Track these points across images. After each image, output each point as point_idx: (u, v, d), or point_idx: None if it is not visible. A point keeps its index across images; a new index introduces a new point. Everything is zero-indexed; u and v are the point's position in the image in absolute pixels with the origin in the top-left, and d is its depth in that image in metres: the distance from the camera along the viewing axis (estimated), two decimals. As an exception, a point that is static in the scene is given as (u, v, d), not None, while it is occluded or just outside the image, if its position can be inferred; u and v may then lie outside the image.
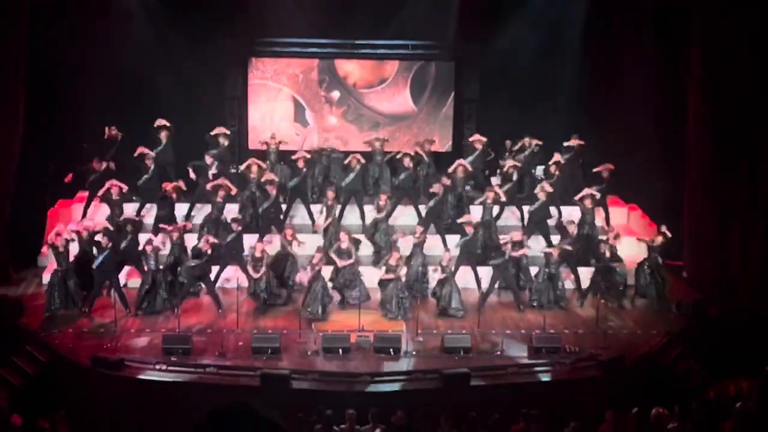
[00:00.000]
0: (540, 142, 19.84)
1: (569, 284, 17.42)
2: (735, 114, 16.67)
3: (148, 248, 16.26)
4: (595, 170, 19.03)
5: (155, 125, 19.09)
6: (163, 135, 19.11)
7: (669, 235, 17.05)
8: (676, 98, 18.39)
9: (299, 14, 20.23)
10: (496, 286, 17.12)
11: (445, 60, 21.33)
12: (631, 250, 17.71)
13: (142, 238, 16.92)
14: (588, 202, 17.99)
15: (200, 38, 19.39)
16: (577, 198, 18.20)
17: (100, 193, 17.88)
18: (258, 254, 16.49)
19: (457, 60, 21.20)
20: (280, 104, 21.27)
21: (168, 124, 19.13)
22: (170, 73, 19.56)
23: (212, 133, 19.36)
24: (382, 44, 20.93)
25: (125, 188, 17.83)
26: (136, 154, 18.64)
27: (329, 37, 20.73)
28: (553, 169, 19.23)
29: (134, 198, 18.57)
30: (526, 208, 18.79)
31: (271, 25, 20.41)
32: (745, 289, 16.73)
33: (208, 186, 18.05)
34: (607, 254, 17.09)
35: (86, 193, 18.92)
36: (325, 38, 20.76)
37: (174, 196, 18.08)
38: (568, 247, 17.17)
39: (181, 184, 18.22)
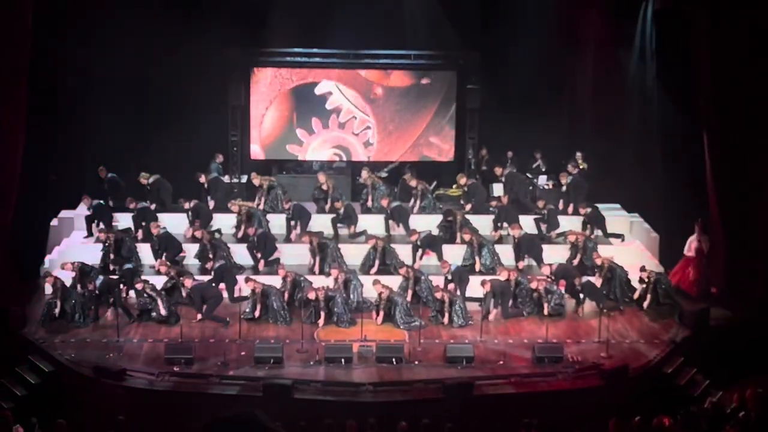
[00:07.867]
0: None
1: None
2: (746, 117, 16.52)
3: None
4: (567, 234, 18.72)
5: (143, 182, 19.38)
6: (153, 179, 19.44)
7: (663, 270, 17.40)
8: (683, 105, 18.27)
9: (301, 25, 20.27)
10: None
11: (448, 70, 21.36)
12: (632, 260, 17.75)
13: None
14: (573, 239, 18.14)
15: (203, 48, 19.39)
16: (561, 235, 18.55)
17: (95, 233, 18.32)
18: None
19: (459, 70, 21.22)
20: (281, 113, 21.31)
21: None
22: (173, 82, 19.57)
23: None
24: (385, 54, 20.96)
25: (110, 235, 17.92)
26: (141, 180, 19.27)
27: (331, 47, 20.76)
28: (563, 179, 19.57)
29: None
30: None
31: (273, 36, 20.46)
32: (760, 298, 16.60)
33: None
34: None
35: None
36: (328, 48, 20.79)
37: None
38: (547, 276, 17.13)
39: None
